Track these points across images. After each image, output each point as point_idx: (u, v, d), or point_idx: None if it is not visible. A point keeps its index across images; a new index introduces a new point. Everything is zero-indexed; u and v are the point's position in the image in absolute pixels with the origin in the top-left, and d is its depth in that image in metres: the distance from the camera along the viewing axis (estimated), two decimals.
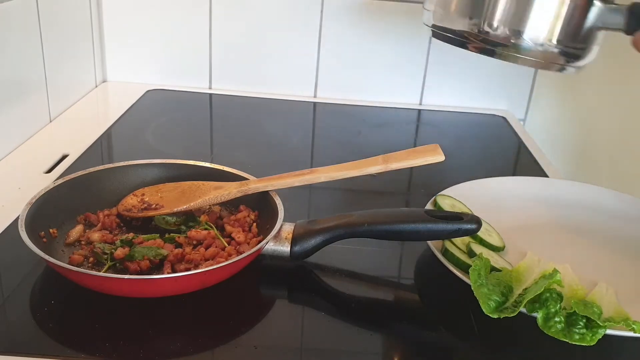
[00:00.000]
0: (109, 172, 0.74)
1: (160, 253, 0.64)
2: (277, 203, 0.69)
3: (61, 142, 0.95)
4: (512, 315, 0.57)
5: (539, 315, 0.57)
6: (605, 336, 0.56)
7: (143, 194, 0.73)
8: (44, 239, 0.65)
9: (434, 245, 0.68)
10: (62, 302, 0.60)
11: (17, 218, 0.62)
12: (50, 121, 1.03)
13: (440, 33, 0.80)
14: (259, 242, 0.65)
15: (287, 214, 0.67)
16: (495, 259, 0.66)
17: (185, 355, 0.55)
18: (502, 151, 1.10)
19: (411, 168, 0.76)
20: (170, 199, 0.72)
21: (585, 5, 0.69)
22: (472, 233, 0.65)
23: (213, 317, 0.60)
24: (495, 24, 0.72)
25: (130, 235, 0.67)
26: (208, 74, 1.25)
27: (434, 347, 0.60)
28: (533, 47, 0.71)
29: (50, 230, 0.67)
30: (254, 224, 0.71)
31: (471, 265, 0.61)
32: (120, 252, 0.63)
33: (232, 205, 0.75)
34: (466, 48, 0.77)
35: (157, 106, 1.16)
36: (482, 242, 0.70)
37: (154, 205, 0.71)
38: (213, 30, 1.21)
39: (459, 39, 0.77)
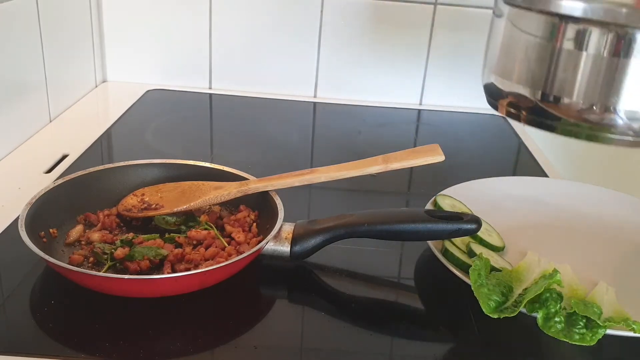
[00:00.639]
0: (109, 172, 0.74)
1: (160, 253, 0.64)
2: (277, 203, 0.69)
3: (61, 142, 0.95)
4: (512, 315, 0.57)
5: (539, 315, 0.57)
6: (605, 336, 0.56)
7: (143, 194, 0.73)
8: (44, 239, 0.65)
9: (434, 245, 0.68)
10: (62, 302, 0.60)
11: (17, 218, 0.62)
12: (50, 121, 1.03)
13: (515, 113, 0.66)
14: (259, 242, 0.65)
15: (287, 214, 0.67)
16: (495, 259, 0.66)
17: (185, 355, 0.55)
18: (502, 151, 1.10)
19: (411, 168, 0.76)
20: (170, 199, 0.72)
21: None
22: (472, 233, 0.65)
23: (213, 317, 0.59)
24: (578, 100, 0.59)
25: (130, 235, 0.67)
26: (208, 74, 1.25)
27: (434, 347, 0.60)
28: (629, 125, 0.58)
29: (50, 230, 0.67)
30: (254, 224, 0.71)
31: (471, 265, 0.61)
32: (120, 252, 0.63)
33: (232, 205, 0.75)
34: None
35: (157, 106, 1.16)
36: (482, 242, 0.70)
37: (154, 205, 0.71)
38: (213, 30, 1.21)
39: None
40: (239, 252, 0.65)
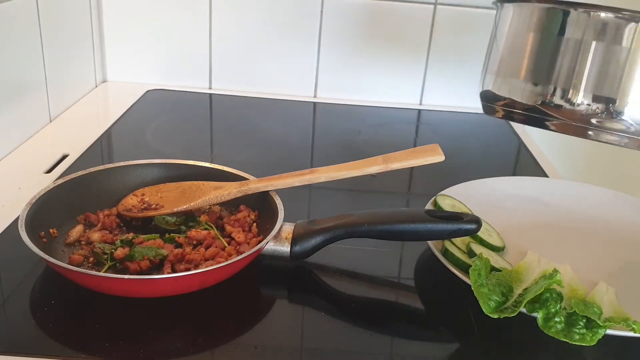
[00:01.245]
0: (109, 172, 0.74)
1: (160, 253, 0.64)
2: (277, 203, 0.69)
3: (61, 142, 0.95)
4: (512, 315, 0.57)
5: (539, 315, 0.57)
6: (605, 336, 0.56)
7: (143, 194, 0.73)
8: (44, 239, 0.65)
9: (434, 245, 0.68)
10: (62, 302, 0.60)
11: (17, 218, 0.62)
12: (50, 121, 1.03)
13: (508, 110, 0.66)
14: (259, 242, 0.65)
15: (287, 214, 0.67)
16: (495, 259, 0.66)
17: (185, 355, 0.55)
18: (502, 151, 1.10)
19: (411, 168, 0.76)
20: (170, 199, 0.72)
21: None
22: (472, 233, 0.65)
23: (213, 317, 0.59)
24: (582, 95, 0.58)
25: (130, 235, 0.67)
26: (208, 74, 1.25)
27: (434, 347, 0.60)
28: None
29: (50, 230, 0.67)
30: (254, 224, 0.71)
31: (471, 265, 0.61)
32: (120, 252, 0.63)
33: (232, 205, 0.75)
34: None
35: (157, 106, 1.16)
36: (482, 242, 0.70)
37: (154, 205, 0.71)
38: (213, 31, 1.21)
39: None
40: (239, 252, 0.65)
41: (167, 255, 0.64)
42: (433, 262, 0.67)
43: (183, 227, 0.70)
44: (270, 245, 0.65)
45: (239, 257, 0.60)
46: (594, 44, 0.56)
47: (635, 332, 0.56)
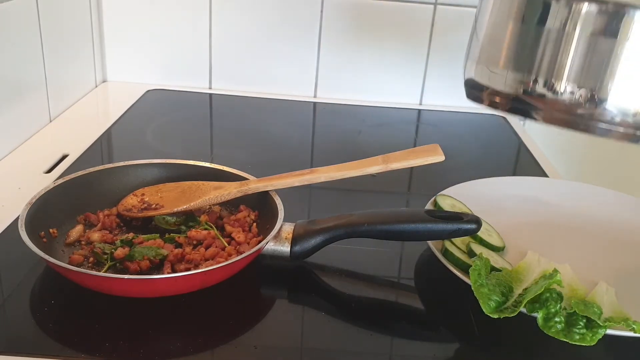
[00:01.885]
0: (109, 172, 0.74)
1: (160, 253, 0.64)
2: (277, 203, 0.69)
3: (61, 142, 0.95)
4: (512, 315, 0.57)
5: (539, 315, 0.57)
6: (605, 336, 0.56)
7: (143, 194, 0.73)
8: (44, 239, 0.65)
9: (434, 245, 0.68)
10: (62, 302, 0.60)
11: (17, 218, 0.62)
12: (50, 121, 1.03)
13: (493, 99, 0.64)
14: (259, 242, 0.65)
15: (287, 214, 0.67)
16: (495, 259, 0.66)
17: (185, 355, 0.55)
18: (502, 151, 1.10)
19: (411, 168, 0.76)
20: (170, 199, 0.72)
21: None
22: (472, 233, 0.65)
23: (213, 317, 0.59)
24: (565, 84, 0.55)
25: (130, 235, 0.67)
26: (208, 74, 1.25)
27: (434, 347, 0.60)
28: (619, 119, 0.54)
29: (50, 230, 0.67)
30: (254, 224, 0.71)
31: (471, 265, 0.61)
32: (120, 252, 0.63)
33: (232, 205, 0.75)
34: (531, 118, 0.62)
35: (157, 106, 1.16)
36: (482, 242, 0.70)
37: (154, 205, 0.71)
38: (213, 30, 1.21)
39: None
40: (239, 252, 0.65)
41: (167, 255, 0.64)
42: (433, 262, 0.67)
43: (183, 227, 0.70)
44: (270, 245, 0.65)
45: (239, 257, 0.60)
46: (576, 34, 0.55)
47: (635, 332, 0.56)
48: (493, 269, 0.63)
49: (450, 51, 1.22)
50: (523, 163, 1.05)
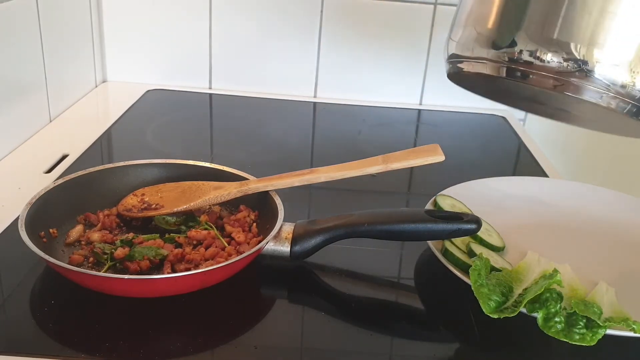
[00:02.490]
0: (109, 172, 0.74)
1: (160, 253, 0.64)
2: (277, 203, 0.69)
3: (61, 142, 0.95)
4: (512, 315, 0.57)
5: (539, 315, 0.57)
6: (605, 336, 0.56)
7: (143, 194, 0.73)
8: (44, 239, 0.65)
9: (434, 245, 0.68)
10: (62, 302, 0.60)
11: (17, 218, 0.62)
12: (50, 121, 1.03)
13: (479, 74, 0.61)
14: (259, 242, 0.65)
15: (287, 214, 0.67)
16: (495, 259, 0.66)
17: (185, 355, 0.55)
18: (502, 151, 1.10)
19: (411, 168, 0.76)
20: (170, 199, 0.72)
21: None
22: (472, 233, 0.65)
23: (213, 317, 0.59)
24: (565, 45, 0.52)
25: (130, 235, 0.67)
26: (208, 74, 1.25)
27: (434, 347, 0.60)
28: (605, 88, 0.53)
29: (50, 230, 0.67)
30: (254, 224, 0.71)
31: (471, 265, 0.61)
32: (120, 252, 0.63)
33: (232, 205, 0.75)
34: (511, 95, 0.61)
35: (157, 106, 1.16)
36: (482, 242, 0.70)
37: (154, 205, 0.71)
38: (213, 30, 1.21)
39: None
40: (239, 252, 0.65)
41: (167, 255, 0.64)
42: (433, 262, 0.67)
43: (183, 227, 0.70)
44: (270, 245, 0.65)
45: (239, 257, 0.60)
46: None
47: (635, 332, 0.56)
48: (493, 269, 0.63)
49: None
50: (523, 163, 1.05)
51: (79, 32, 1.14)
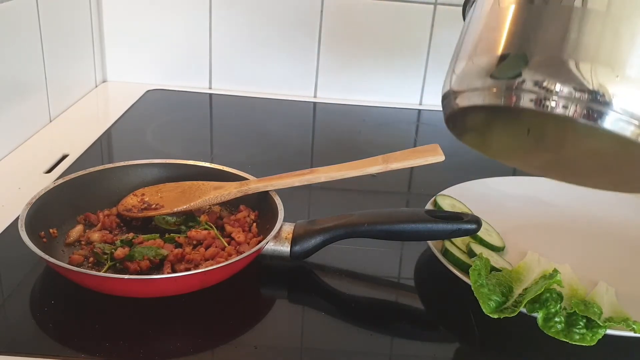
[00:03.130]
0: (109, 172, 0.74)
1: (160, 253, 0.64)
2: (277, 203, 0.69)
3: (61, 142, 0.95)
4: (512, 315, 0.57)
5: (539, 315, 0.57)
6: (605, 336, 0.56)
7: (143, 194, 0.73)
8: (44, 239, 0.65)
9: (434, 245, 0.68)
10: (62, 302, 0.60)
11: (17, 218, 0.62)
12: (50, 121, 1.03)
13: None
14: (259, 242, 0.65)
15: (287, 214, 0.67)
16: (495, 259, 0.66)
17: (185, 355, 0.55)
18: None
19: (411, 168, 0.76)
20: (170, 199, 0.72)
21: None
22: (472, 233, 0.65)
23: (213, 317, 0.59)
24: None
25: (130, 235, 0.67)
26: (208, 74, 1.25)
27: (434, 347, 0.60)
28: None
29: (50, 230, 0.67)
30: (254, 224, 0.71)
31: (471, 265, 0.61)
32: (120, 252, 0.63)
33: (232, 205, 0.75)
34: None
35: (157, 106, 1.16)
36: (482, 242, 0.70)
37: (154, 205, 0.71)
38: (213, 31, 1.21)
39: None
40: (239, 252, 0.65)
41: (167, 255, 0.64)
42: (433, 262, 0.67)
43: (183, 227, 0.70)
44: (270, 245, 0.65)
45: (239, 257, 0.60)
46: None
47: (635, 332, 0.56)
48: (493, 269, 0.63)
49: (450, 51, 1.22)
50: None
51: (79, 32, 1.14)
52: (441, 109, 0.62)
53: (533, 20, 0.53)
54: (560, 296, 0.57)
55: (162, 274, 0.62)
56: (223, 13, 1.20)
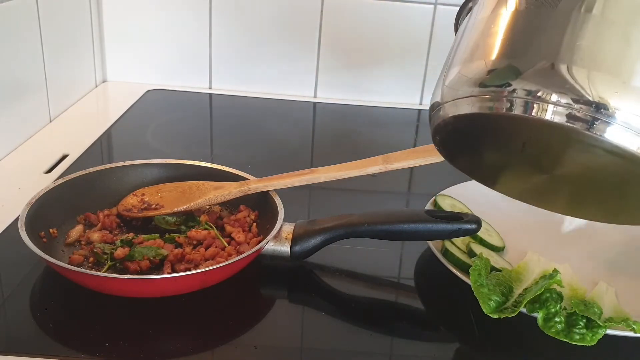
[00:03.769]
0: (109, 172, 0.74)
1: (160, 253, 0.64)
2: (277, 203, 0.69)
3: (61, 142, 0.95)
4: (512, 315, 0.57)
5: (539, 315, 0.57)
6: (605, 336, 0.56)
7: (143, 194, 0.73)
8: (44, 239, 0.65)
9: (434, 245, 0.68)
10: (62, 302, 0.60)
11: (17, 218, 0.62)
12: (50, 121, 1.03)
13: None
14: (259, 242, 0.65)
15: (287, 214, 0.67)
16: (495, 259, 0.66)
17: (185, 355, 0.55)
18: None
19: (411, 168, 0.76)
20: (170, 199, 0.72)
21: None
22: (472, 233, 0.65)
23: (213, 317, 0.59)
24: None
25: (130, 235, 0.67)
26: (208, 74, 1.25)
27: (434, 347, 0.60)
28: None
29: (50, 230, 0.67)
30: (254, 224, 0.71)
31: (471, 265, 0.61)
32: (120, 252, 0.63)
33: (232, 205, 0.75)
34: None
35: (157, 106, 1.16)
36: (482, 242, 0.70)
37: (154, 205, 0.71)
38: (213, 31, 1.21)
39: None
40: (239, 252, 0.65)
41: (167, 255, 0.64)
42: (433, 262, 0.67)
43: (183, 227, 0.70)
44: (270, 245, 0.65)
45: (239, 257, 0.60)
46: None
47: (635, 332, 0.56)
48: (493, 269, 0.63)
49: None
50: None
51: (79, 32, 1.14)
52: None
53: (529, 27, 0.51)
54: (560, 296, 0.57)
55: (162, 274, 0.62)
56: (223, 13, 1.20)
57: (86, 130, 1.00)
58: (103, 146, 0.98)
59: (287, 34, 1.21)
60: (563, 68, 0.47)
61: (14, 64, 0.91)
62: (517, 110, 0.47)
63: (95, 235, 0.68)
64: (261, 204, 0.72)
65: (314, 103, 1.24)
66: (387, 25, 1.20)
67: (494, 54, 0.51)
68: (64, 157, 0.91)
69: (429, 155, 0.71)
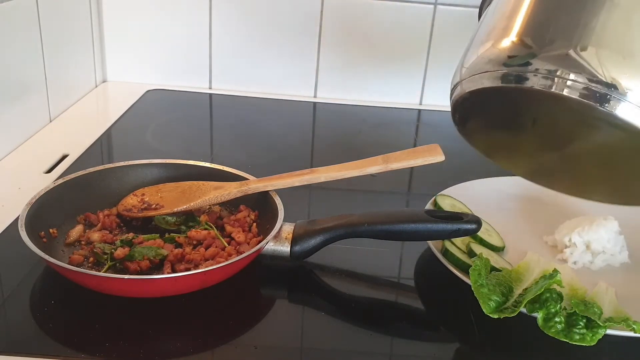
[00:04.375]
0: (109, 172, 0.74)
1: (160, 253, 0.64)
2: (277, 203, 0.69)
3: (61, 142, 0.95)
4: (512, 315, 0.57)
5: (539, 315, 0.57)
6: (605, 336, 0.56)
7: (143, 194, 0.73)
8: (44, 239, 0.65)
9: (434, 245, 0.68)
10: (62, 302, 0.60)
11: (17, 218, 0.62)
12: (50, 121, 1.03)
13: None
14: (259, 242, 0.65)
15: (287, 214, 0.67)
16: (495, 259, 0.66)
17: (185, 355, 0.55)
18: None
19: (411, 168, 0.76)
20: (170, 199, 0.72)
21: None
22: (472, 233, 0.65)
23: (213, 317, 0.59)
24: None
25: (130, 235, 0.67)
26: (208, 74, 1.25)
27: (434, 347, 0.60)
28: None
29: (50, 230, 0.67)
30: (254, 224, 0.71)
31: (471, 265, 0.61)
32: (120, 252, 0.63)
33: (232, 205, 0.75)
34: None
35: (157, 106, 1.16)
36: (482, 242, 0.70)
37: (154, 205, 0.71)
38: (213, 31, 1.21)
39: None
40: (239, 252, 0.65)
41: (167, 255, 0.64)
42: (433, 262, 0.67)
43: (183, 227, 0.70)
44: (270, 245, 0.65)
45: (239, 257, 0.60)
46: None
47: (635, 332, 0.56)
48: (493, 269, 0.63)
49: (450, 51, 1.22)
50: None
51: (79, 32, 1.14)
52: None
53: (547, 10, 0.53)
54: (560, 296, 0.57)
55: (162, 274, 0.62)
56: (223, 13, 1.20)
57: (86, 130, 1.00)
58: (103, 146, 0.98)
59: (287, 34, 1.21)
60: (580, 49, 0.49)
61: (14, 64, 0.91)
62: (535, 85, 0.50)
63: (95, 235, 0.68)
64: (261, 204, 0.72)
65: (314, 103, 1.24)
66: (387, 25, 1.20)
67: (514, 34, 0.54)
68: (64, 157, 0.91)
69: (429, 155, 0.71)
